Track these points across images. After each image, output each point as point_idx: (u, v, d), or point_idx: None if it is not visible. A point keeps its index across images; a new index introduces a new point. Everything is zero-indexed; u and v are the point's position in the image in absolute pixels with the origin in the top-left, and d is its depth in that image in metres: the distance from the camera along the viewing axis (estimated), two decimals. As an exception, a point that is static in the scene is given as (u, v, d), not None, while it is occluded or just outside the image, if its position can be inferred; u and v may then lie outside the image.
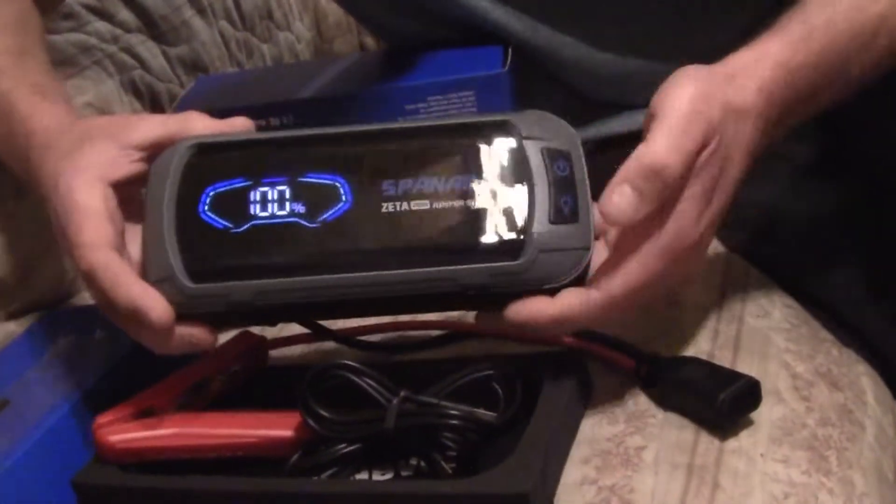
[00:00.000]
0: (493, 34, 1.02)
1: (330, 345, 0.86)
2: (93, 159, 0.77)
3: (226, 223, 0.73)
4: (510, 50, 1.02)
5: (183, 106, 1.07)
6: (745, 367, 0.79)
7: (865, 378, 0.85)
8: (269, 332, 0.85)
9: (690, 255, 0.71)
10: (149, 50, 1.21)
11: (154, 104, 1.20)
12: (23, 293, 0.99)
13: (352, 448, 0.70)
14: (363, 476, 0.71)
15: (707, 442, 0.73)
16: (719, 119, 0.71)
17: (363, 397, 0.71)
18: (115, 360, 0.83)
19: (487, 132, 0.73)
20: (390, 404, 0.70)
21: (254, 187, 0.73)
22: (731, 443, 0.73)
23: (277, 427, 0.74)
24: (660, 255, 0.69)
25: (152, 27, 1.22)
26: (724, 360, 0.80)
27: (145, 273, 0.73)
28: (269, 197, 0.73)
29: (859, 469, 0.74)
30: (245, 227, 0.73)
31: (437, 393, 0.70)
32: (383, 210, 0.72)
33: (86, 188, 0.75)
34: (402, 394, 0.70)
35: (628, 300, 0.70)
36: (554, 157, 0.72)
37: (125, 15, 1.19)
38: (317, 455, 0.71)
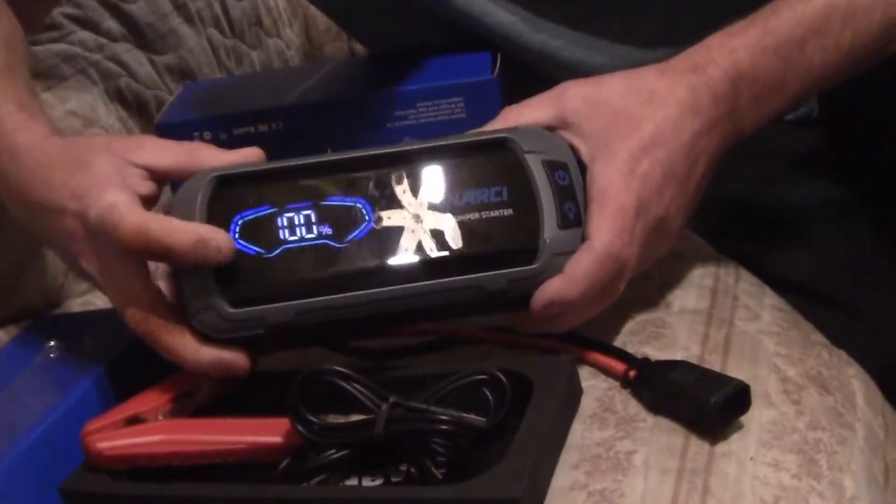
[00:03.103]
0: (489, 38, 1.02)
1: (319, 350, 0.86)
2: (110, 172, 0.78)
3: (258, 249, 0.76)
4: (499, 56, 1.02)
5: (171, 112, 1.07)
6: (735, 370, 0.79)
7: (856, 381, 0.85)
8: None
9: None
10: (135, 58, 1.20)
11: (141, 111, 1.20)
12: (11, 300, 0.99)
13: (341, 454, 0.70)
14: (353, 482, 0.71)
15: (697, 446, 0.73)
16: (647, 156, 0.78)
17: (353, 403, 0.71)
18: (103, 366, 0.83)
19: (491, 150, 0.79)
20: (380, 410, 0.70)
21: (280, 213, 0.77)
22: (722, 447, 0.73)
23: (267, 433, 0.74)
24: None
25: (139, 35, 1.21)
26: (714, 363, 0.80)
27: (184, 304, 0.76)
28: (297, 221, 0.77)
29: (849, 472, 0.74)
30: (277, 251, 0.76)
31: (426, 398, 0.70)
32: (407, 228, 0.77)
33: (125, 203, 0.76)
34: (392, 399, 0.70)
35: (624, 238, 0.76)
36: (554, 168, 0.78)
37: (111, 24, 1.19)
38: (306, 461, 0.71)
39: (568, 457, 0.72)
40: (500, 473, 0.66)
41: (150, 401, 0.77)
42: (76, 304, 1.05)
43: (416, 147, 0.80)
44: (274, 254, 0.76)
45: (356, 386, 0.71)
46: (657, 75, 0.82)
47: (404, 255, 0.76)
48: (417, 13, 1.04)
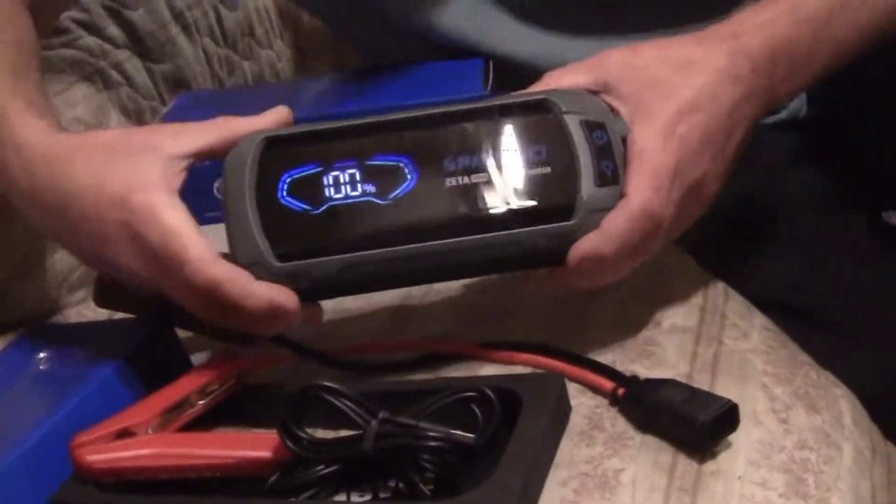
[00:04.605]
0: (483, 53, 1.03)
1: (310, 366, 0.86)
2: (149, 173, 0.79)
3: (305, 206, 0.79)
4: (490, 66, 1.03)
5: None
6: (724, 389, 0.79)
7: (843, 401, 0.85)
8: (248, 352, 0.85)
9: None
10: (134, 66, 1.20)
11: (139, 122, 1.20)
12: (3, 310, 0.99)
13: (330, 469, 0.70)
14: (341, 498, 0.71)
15: (685, 464, 0.73)
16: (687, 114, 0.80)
17: (342, 418, 0.71)
18: (93, 379, 0.83)
19: (532, 110, 0.81)
20: (369, 426, 0.70)
21: (326, 171, 0.80)
22: (710, 465, 0.73)
23: (256, 448, 0.74)
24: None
25: (138, 43, 1.21)
26: (702, 382, 0.80)
27: (234, 258, 0.79)
28: (342, 179, 0.79)
29: (837, 492, 0.75)
30: (323, 207, 0.79)
31: (415, 414, 0.70)
32: (447, 185, 0.79)
33: (168, 206, 0.78)
34: (381, 415, 0.70)
35: (661, 197, 0.78)
36: (592, 127, 0.80)
37: (113, 30, 1.19)
38: (295, 476, 0.71)
39: (556, 474, 0.73)
40: (489, 490, 0.66)
41: (139, 414, 0.77)
42: (69, 315, 1.04)
43: (458, 108, 0.82)
44: (320, 210, 0.79)
45: (345, 402, 0.71)
46: (694, 44, 0.83)
47: (444, 212, 0.79)
48: (419, 36, 1.05)
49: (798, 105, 1.10)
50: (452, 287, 0.96)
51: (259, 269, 0.78)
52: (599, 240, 0.78)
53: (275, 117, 0.84)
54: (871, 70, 0.93)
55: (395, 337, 0.90)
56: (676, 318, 0.88)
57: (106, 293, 0.89)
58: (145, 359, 0.86)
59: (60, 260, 1.04)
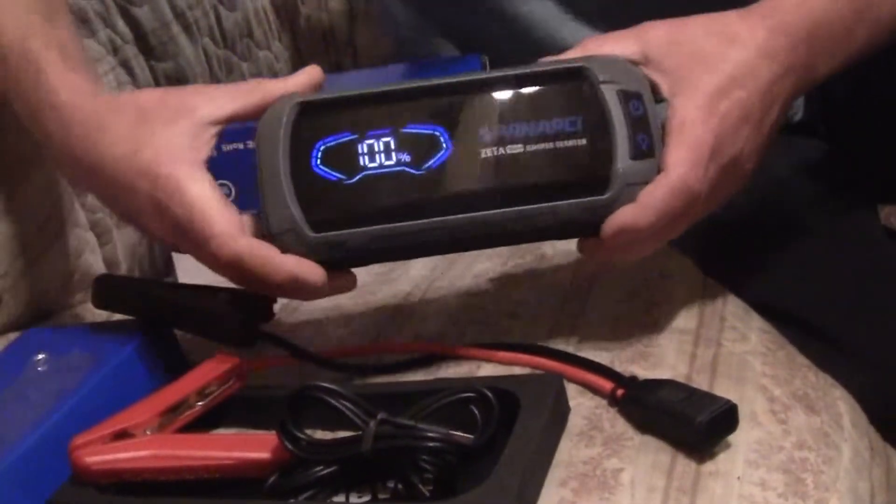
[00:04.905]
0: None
1: (308, 367, 0.86)
2: (177, 144, 0.80)
3: (339, 175, 0.79)
4: (488, 63, 1.03)
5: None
6: (723, 390, 0.79)
7: (842, 402, 0.85)
8: (247, 354, 0.85)
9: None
10: (139, 64, 1.20)
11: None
12: (2, 312, 0.99)
13: (329, 470, 0.70)
14: (340, 499, 0.71)
15: (684, 465, 0.73)
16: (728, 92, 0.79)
17: (340, 419, 0.71)
18: (91, 380, 0.82)
19: (567, 78, 0.80)
20: (367, 426, 0.70)
21: (360, 140, 0.79)
22: (709, 465, 0.73)
23: (254, 449, 0.73)
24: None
25: (143, 40, 1.21)
26: (701, 383, 0.80)
27: (267, 226, 0.79)
28: (376, 148, 0.79)
29: (836, 492, 0.74)
30: (357, 177, 0.79)
31: (414, 415, 0.70)
32: (482, 156, 0.78)
33: (193, 180, 0.79)
34: (380, 416, 0.70)
35: (699, 172, 0.77)
36: (629, 98, 0.79)
37: (122, 26, 1.19)
38: (294, 477, 0.71)
39: (555, 474, 0.72)
40: (488, 491, 0.66)
41: (137, 415, 0.77)
42: (67, 316, 1.04)
43: (494, 75, 0.81)
44: (354, 180, 0.79)
45: (344, 402, 0.71)
46: (738, 18, 0.83)
47: (479, 183, 0.79)
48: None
49: (793, 110, 1.10)
50: (451, 288, 0.96)
51: (292, 238, 0.79)
52: (635, 213, 0.78)
53: (306, 78, 0.84)
54: (869, 72, 0.93)
55: (394, 338, 0.90)
56: (675, 319, 0.88)
57: (104, 295, 0.89)
58: (144, 360, 0.86)
59: (59, 261, 1.04)
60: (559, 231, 0.81)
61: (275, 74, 1.41)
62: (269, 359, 0.87)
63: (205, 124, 0.81)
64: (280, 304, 0.92)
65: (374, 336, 0.92)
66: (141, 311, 0.89)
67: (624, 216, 0.78)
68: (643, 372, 0.81)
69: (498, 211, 0.78)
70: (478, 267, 0.97)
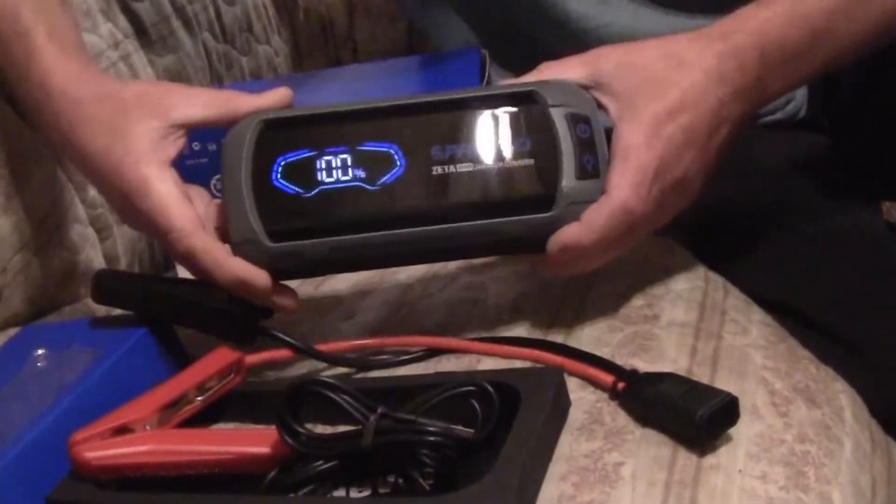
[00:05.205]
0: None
1: (309, 362, 0.86)
2: (145, 143, 0.84)
3: (297, 189, 0.82)
4: (487, 58, 1.03)
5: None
6: (724, 383, 0.79)
7: (843, 395, 0.85)
8: (246, 348, 0.85)
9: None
10: (140, 59, 1.20)
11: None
12: (1, 308, 0.99)
13: (329, 465, 0.70)
14: (340, 493, 0.71)
15: (685, 458, 0.73)
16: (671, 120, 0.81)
17: (341, 414, 0.71)
18: (91, 376, 0.82)
19: (519, 101, 0.83)
20: (368, 421, 0.69)
21: (319, 156, 0.83)
22: (710, 459, 0.73)
23: (254, 444, 0.73)
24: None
25: (143, 35, 1.21)
26: (702, 376, 0.80)
27: (228, 236, 0.83)
28: (333, 164, 0.82)
29: (837, 485, 0.74)
30: (314, 191, 0.82)
31: (414, 410, 0.70)
32: (433, 173, 0.81)
33: (158, 175, 0.84)
34: (380, 410, 0.70)
35: (641, 194, 0.80)
36: (577, 121, 0.82)
37: (123, 21, 1.19)
38: (294, 472, 0.71)
39: (556, 468, 0.72)
40: (488, 485, 0.66)
41: (137, 410, 0.77)
42: (67, 312, 1.04)
43: (448, 97, 0.84)
44: (311, 194, 0.82)
45: (344, 397, 0.71)
46: (688, 42, 0.84)
47: (430, 199, 0.81)
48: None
49: (796, 106, 1.10)
50: (452, 282, 0.96)
51: (252, 247, 0.82)
52: (579, 231, 0.80)
53: (275, 98, 0.87)
54: (873, 69, 0.93)
55: (395, 333, 0.90)
56: (676, 312, 0.88)
57: (104, 290, 0.89)
58: (143, 355, 0.86)
59: (59, 257, 1.04)
60: (507, 247, 0.84)
61: (274, 69, 1.41)
62: (268, 354, 0.87)
63: (176, 125, 0.85)
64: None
65: (375, 331, 0.91)
66: (141, 307, 0.88)
67: (568, 234, 0.80)
68: (644, 365, 0.81)
69: (447, 226, 0.81)
70: (478, 261, 0.97)
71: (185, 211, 0.83)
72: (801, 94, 1.11)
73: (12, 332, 0.96)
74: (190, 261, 0.83)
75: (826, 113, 1.11)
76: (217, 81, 1.30)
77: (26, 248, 1.00)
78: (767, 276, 0.98)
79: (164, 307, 0.87)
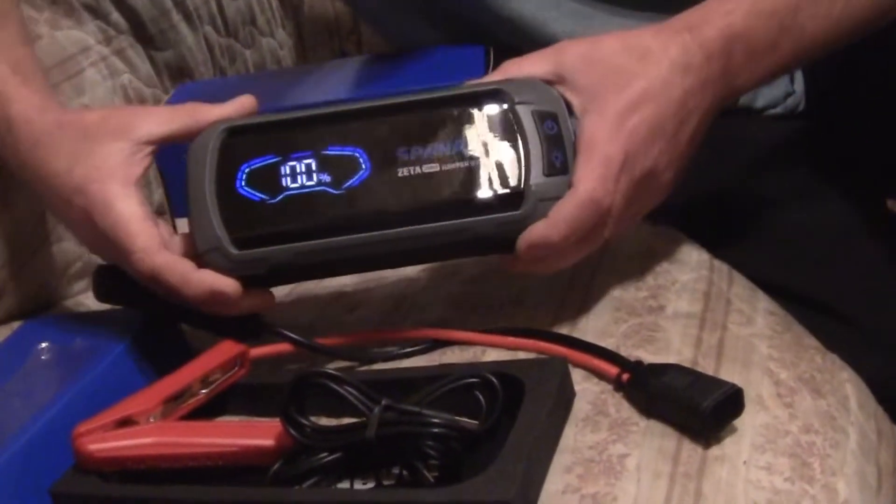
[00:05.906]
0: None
1: (312, 355, 0.86)
2: (111, 162, 0.83)
3: (262, 195, 0.82)
4: (492, 53, 1.03)
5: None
6: (729, 374, 0.79)
7: (849, 385, 0.85)
8: (250, 341, 0.85)
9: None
10: (137, 54, 1.20)
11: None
12: (4, 302, 0.99)
13: (333, 457, 0.70)
14: (345, 485, 0.71)
15: (690, 449, 0.73)
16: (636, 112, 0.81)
17: (345, 406, 0.71)
18: (95, 369, 0.82)
19: (485, 100, 0.82)
20: (372, 413, 0.69)
21: (283, 162, 0.82)
22: (715, 450, 0.73)
23: (258, 436, 0.73)
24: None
25: (141, 30, 1.21)
26: (707, 367, 0.80)
27: (193, 245, 0.82)
28: (298, 170, 0.82)
29: (843, 476, 0.74)
30: (279, 197, 0.82)
31: (419, 401, 0.70)
32: (399, 175, 0.81)
33: (122, 196, 0.83)
34: (384, 402, 0.70)
35: (608, 186, 0.79)
36: (543, 118, 0.82)
37: (117, 17, 1.19)
38: (298, 464, 0.71)
39: (560, 460, 0.72)
40: (493, 476, 0.66)
41: (141, 403, 0.77)
42: (70, 305, 1.04)
43: (413, 98, 0.84)
44: (276, 200, 0.81)
45: (348, 389, 0.71)
46: (653, 34, 0.84)
47: (396, 202, 0.81)
48: (461, 19, 1.07)
49: (795, 100, 1.10)
50: (456, 274, 0.96)
51: (217, 256, 0.81)
52: (547, 228, 0.79)
53: (238, 106, 0.87)
54: (869, 59, 0.93)
55: (398, 325, 0.90)
56: (681, 303, 0.87)
57: (105, 286, 0.89)
58: (147, 348, 0.86)
59: (60, 251, 1.04)
60: (478, 247, 0.83)
61: (278, 62, 1.40)
62: (272, 347, 0.87)
63: (140, 144, 0.85)
64: (286, 291, 0.92)
65: (378, 324, 0.91)
66: (141, 303, 0.88)
67: (536, 231, 0.80)
68: (649, 356, 0.81)
69: (415, 227, 0.80)
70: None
71: (148, 229, 0.82)
72: (799, 89, 1.11)
73: (15, 325, 0.96)
74: (156, 280, 0.81)
75: (825, 106, 1.11)
76: (220, 74, 1.30)
77: (27, 244, 1.00)
78: (773, 262, 0.98)
79: (164, 305, 0.87)
